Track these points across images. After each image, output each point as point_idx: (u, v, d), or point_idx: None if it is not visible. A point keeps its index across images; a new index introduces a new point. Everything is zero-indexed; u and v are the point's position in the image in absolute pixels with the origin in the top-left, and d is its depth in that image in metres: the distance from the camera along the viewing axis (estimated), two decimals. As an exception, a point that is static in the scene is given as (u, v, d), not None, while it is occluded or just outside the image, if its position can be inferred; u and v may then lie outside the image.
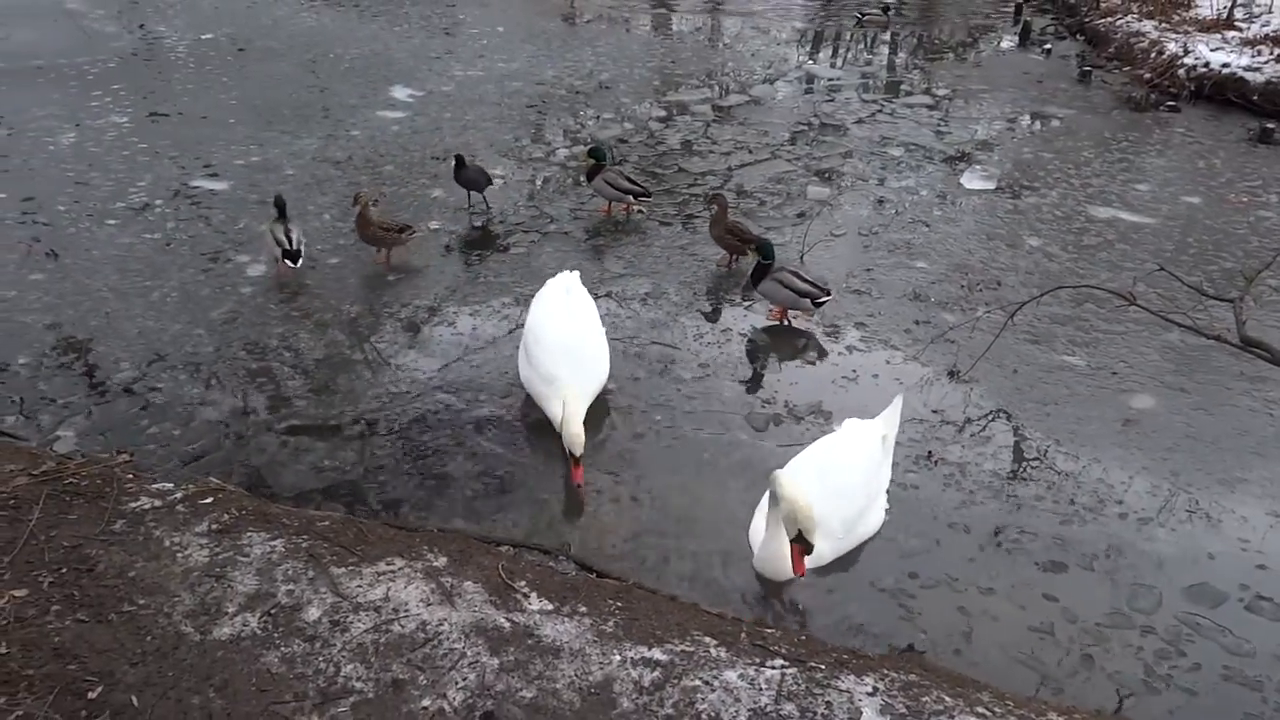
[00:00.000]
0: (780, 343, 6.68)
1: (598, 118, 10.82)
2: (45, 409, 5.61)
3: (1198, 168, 9.91)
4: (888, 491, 5.02)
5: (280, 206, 7.07)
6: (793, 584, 4.58)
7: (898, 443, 5.58)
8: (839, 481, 4.75)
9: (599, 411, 5.71)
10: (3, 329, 6.36)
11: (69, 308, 6.64)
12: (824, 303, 6.72)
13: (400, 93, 11.31)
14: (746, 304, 7.09)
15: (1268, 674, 4.19)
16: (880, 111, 11.51)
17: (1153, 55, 12.56)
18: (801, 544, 4.25)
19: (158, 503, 4.38)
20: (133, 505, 4.35)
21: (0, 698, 3.33)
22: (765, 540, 4.58)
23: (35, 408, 5.61)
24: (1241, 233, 8.40)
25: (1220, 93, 11.62)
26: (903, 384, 6.19)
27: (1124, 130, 10.93)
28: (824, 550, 4.65)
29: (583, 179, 8.33)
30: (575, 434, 5.10)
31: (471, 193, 8.39)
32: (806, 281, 6.70)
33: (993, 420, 5.91)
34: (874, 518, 4.92)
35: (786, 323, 6.89)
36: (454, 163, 8.19)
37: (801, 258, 7.74)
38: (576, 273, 6.21)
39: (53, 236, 7.59)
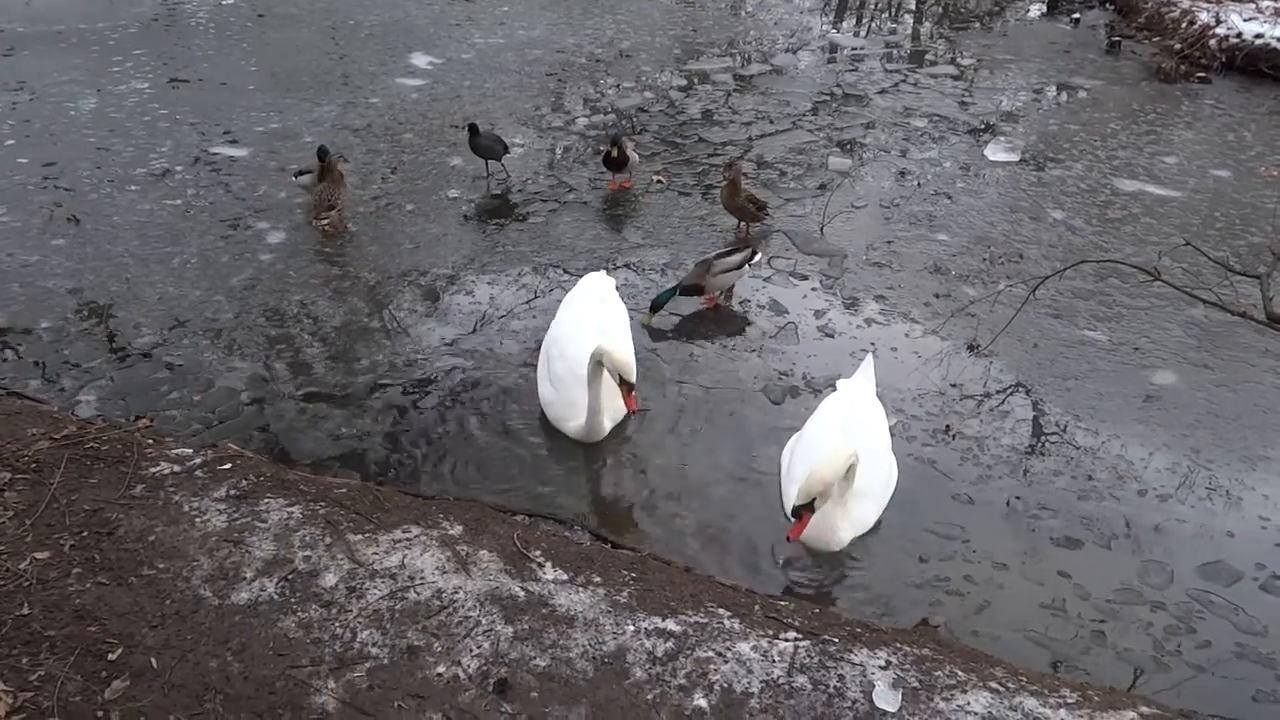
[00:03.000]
0: (798, 315, 6.63)
1: (618, 86, 10.70)
2: (67, 373, 5.66)
3: (1227, 140, 9.72)
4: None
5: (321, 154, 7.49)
6: (840, 554, 4.59)
7: (915, 416, 5.60)
8: (871, 444, 4.76)
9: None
10: (25, 294, 6.40)
11: (90, 273, 6.68)
12: (758, 260, 6.75)
13: (420, 60, 11.22)
14: (766, 275, 7.04)
15: (1282, 651, 4.17)
16: (904, 81, 11.32)
17: (1184, 25, 12.27)
18: (810, 511, 4.28)
19: (177, 468, 4.42)
20: (153, 470, 4.39)
21: (23, 658, 3.39)
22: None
23: (57, 372, 5.66)
24: (1270, 207, 8.24)
25: (1252, 64, 11.35)
26: (919, 356, 6.15)
27: (1152, 102, 10.72)
28: (869, 514, 4.68)
29: (603, 159, 8.12)
30: (627, 360, 4.89)
31: (489, 161, 8.34)
32: (734, 252, 6.66)
33: (1012, 395, 5.87)
34: (894, 473, 4.94)
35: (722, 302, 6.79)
36: (468, 131, 8.13)
37: (822, 229, 7.67)
38: (612, 280, 5.88)
39: (74, 202, 7.61)
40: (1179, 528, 4.84)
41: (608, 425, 5.21)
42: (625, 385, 4.84)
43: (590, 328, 5.31)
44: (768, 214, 7.52)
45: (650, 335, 6.33)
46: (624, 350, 4.99)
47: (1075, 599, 4.42)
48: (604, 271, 6.03)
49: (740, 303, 6.76)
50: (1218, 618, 4.33)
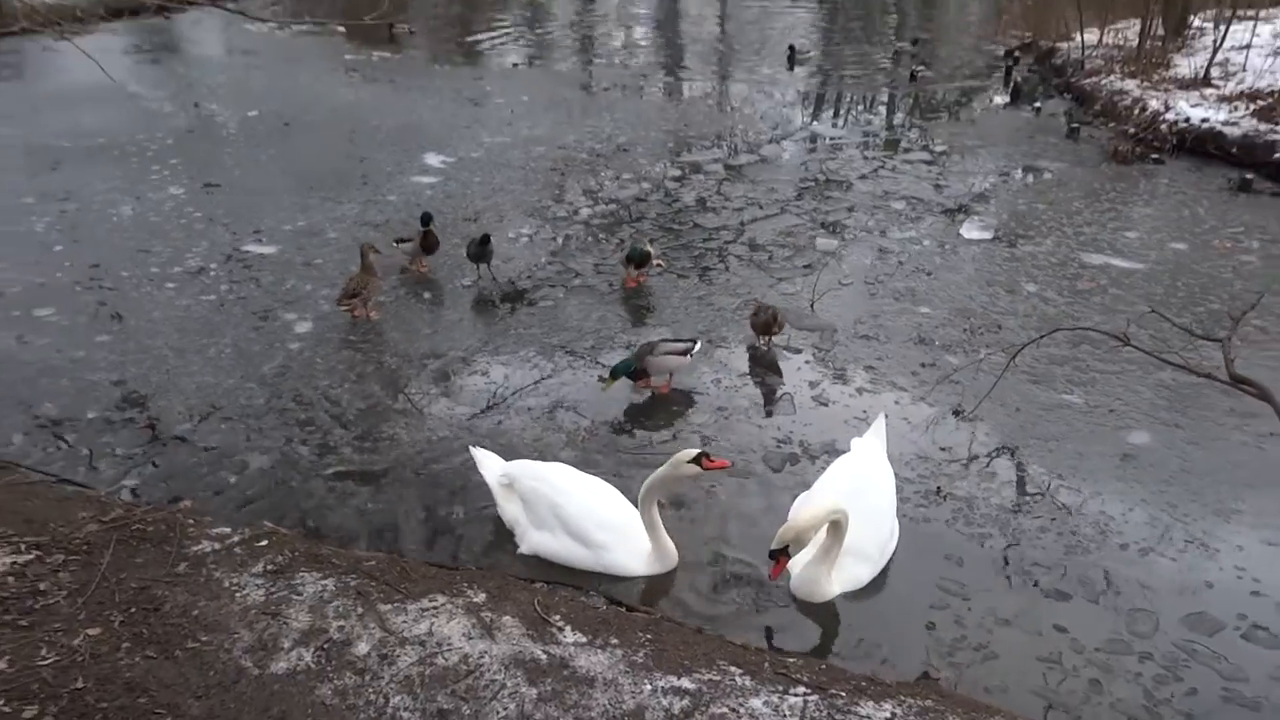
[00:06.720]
0: (794, 386, 6.72)
1: (617, 178, 10.98)
2: (113, 460, 5.72)
3: (1183, 216, 9.95)
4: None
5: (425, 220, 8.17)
6: (826, 606, 4.64)
7: (908, 478, 5.65)
8: (871, 504, 4.83)
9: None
10: (73, 386, 6.50)
11: (132, 365, 6.79)
12: (697, 350, 6.65)
13: (433, 159, 11.54)
14: (761, 350, 7.15)
15: (1265, 695, 4.15)
16: (881, 167, 11.63)
17: (1136, 112, 12.67)
18: (786, 555, 4.50)
19: (217, 546, 4.46)
20: (194, 548, 4.43)
21: (77, 730, 3.40)
22: (800, 568, 4.68)
23: (103, 459, 5.72)
24: (1227, 276, 8.42)
25: (1201, 146, 11.68)
26: (908, 422, 6.23)
27: (1112, 182, 10.99)
28: (862, 573, 4.73)
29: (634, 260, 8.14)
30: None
31: (481, 265, 8.32)
32: (674, 340, 6.67)
33: (997, 456, 5.92)
34: (895, 534, 4.97)
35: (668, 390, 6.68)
36: (480, 243, 8.13)
37: (812, 306, 7.81)
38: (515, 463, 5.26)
39: (117, 300, 7.77)
40: (1161, 580, 4.85)
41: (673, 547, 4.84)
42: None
43: (588, 491, 5.00)
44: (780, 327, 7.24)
45: (650, 407, 6.42)
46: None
47: (1070, 651, 4.40)
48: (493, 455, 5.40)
49: (737, 376, 6.86)
50: (1203, 666, 4.32)
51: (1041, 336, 5.93)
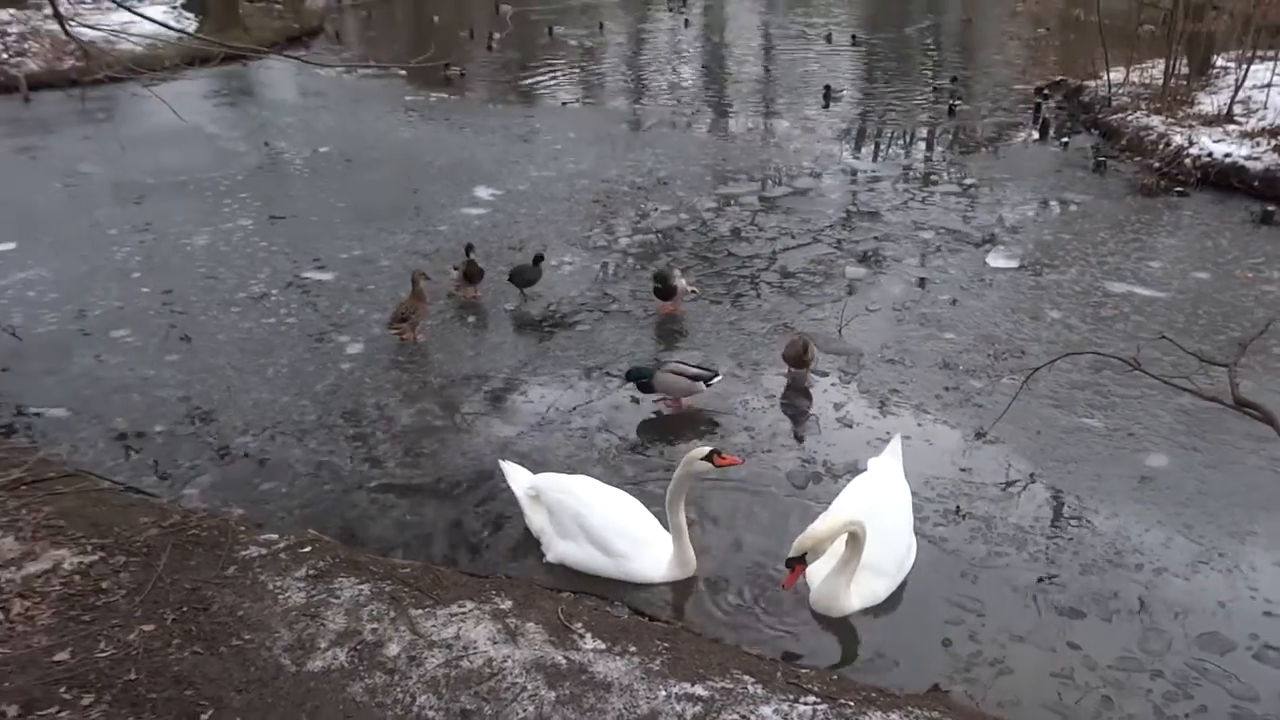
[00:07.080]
0: (819, 407, 6.69)
1: (656, 209, 11.05)
2: (175, 470, 5.89)
3: (1205, 247, 9.72)
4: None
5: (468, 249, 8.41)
6: (843, 620, 4.59)
7: (928, 498, 5.58)
8: (889, 522, 4.79)
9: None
10: (143, 402, 6.71)
11: (197, 383, 6.98)
12: (715, 383, 6.57)
13: (483, 192, 11.71)
14: (791, 376, 7.12)
15: (1275, 713, 4.02)
16: (913, 200, 11.54)
17: (1161, 146, 12.42)
18: (802, 564, 4.40)
19: (264, 551, 4.58)
20: (244, 553, 4.55)
21: (129, 718, 3.50)
22: (819, 581, 4.65)
23: (167, 469, 5.90)
24: (1248, 305, 8.20)
25: (1224, 179, 11.43)
26: (930, 444, 6.16)
27: (1137, 213, 10.79)
28: (880, 589, 4.68)
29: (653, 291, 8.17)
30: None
31: (525, 289, 8.47)
32: (695, 367, 6.60)
33: (1017, 478, 5.83)
34: (913, 551, 4.91)
35: (681, 409, 6.67)
36: (532, 262, 8.32)
37: (840, 331, 7.78)
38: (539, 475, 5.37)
39: (187, 323, 8.00)
40: (1175, 599, 4.73)
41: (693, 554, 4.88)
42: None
43: (610, 503, 5.05)
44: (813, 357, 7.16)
45: (679, 426, 6.42)
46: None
47: (1083, 667, 4.31)
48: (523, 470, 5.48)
49: (765, 397, 6.85)
50: (1213, 684, 4.20)
51: (1055, 359, 5.87)
